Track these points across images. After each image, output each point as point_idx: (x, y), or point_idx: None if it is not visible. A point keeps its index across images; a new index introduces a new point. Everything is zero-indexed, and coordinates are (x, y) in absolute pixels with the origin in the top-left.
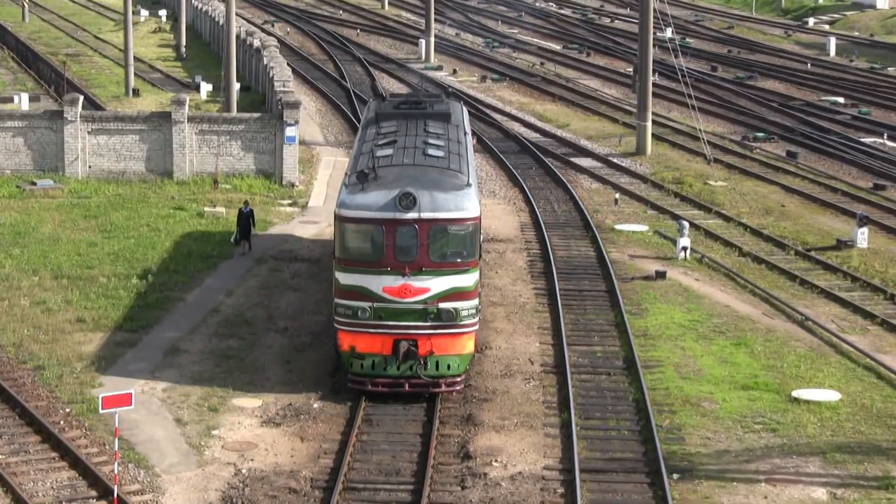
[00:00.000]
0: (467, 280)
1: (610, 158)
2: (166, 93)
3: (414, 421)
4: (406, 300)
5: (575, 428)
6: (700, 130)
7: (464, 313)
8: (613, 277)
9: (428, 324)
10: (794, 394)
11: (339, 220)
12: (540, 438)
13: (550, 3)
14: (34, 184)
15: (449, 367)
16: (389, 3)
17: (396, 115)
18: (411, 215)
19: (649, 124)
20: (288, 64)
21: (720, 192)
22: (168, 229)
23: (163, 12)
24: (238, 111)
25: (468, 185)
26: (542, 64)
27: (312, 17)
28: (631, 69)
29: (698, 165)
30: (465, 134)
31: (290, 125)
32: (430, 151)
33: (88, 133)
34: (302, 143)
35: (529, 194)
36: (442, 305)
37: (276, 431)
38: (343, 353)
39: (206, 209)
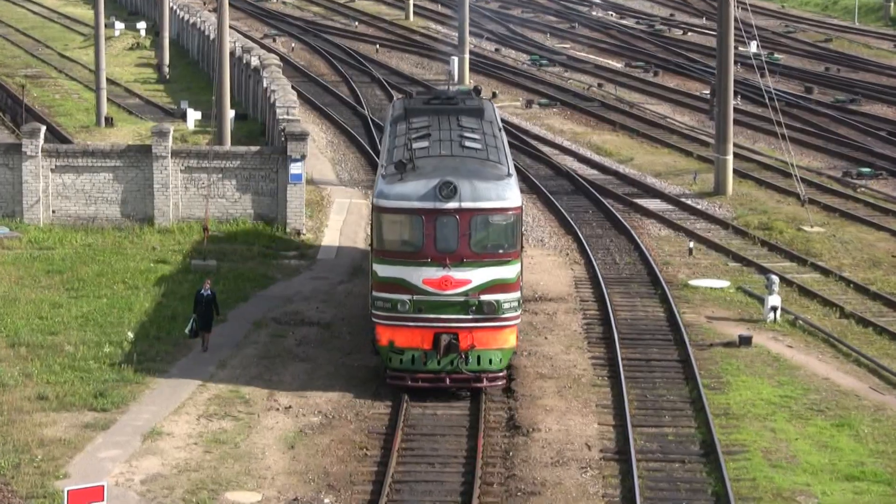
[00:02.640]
0: (509, 272)
1: (683, 200)
2: (146, 122)
3: None
4: (447, 292)
5: None
6: (792, 165)
7: (506, 306)
8: (688, 344)
9: (469, 317)
10: None
11: (378, 210)
12: None
13: (610, 13)
14: None
15: (491, 361)
16: (415, 13)
17: (427, 110)
18: (452, 205)
19: (730, 158)
20: (293, 87)
21: (817, 239)
22: (148, 287)
23: (142, 25)
24: (232, 144)
25: (509, 174)
26: (599, 85)
27: (322, 30)
28: (708, 92)
29: (790, 208)
30: (500, 130)
31: (296, 161)
32: (468, 144)
33: (52, 171)
34: (309, 182)
35: (585, 243)
36: (483, 297)
37: None
38: (381, 348)
39: (195, 262)
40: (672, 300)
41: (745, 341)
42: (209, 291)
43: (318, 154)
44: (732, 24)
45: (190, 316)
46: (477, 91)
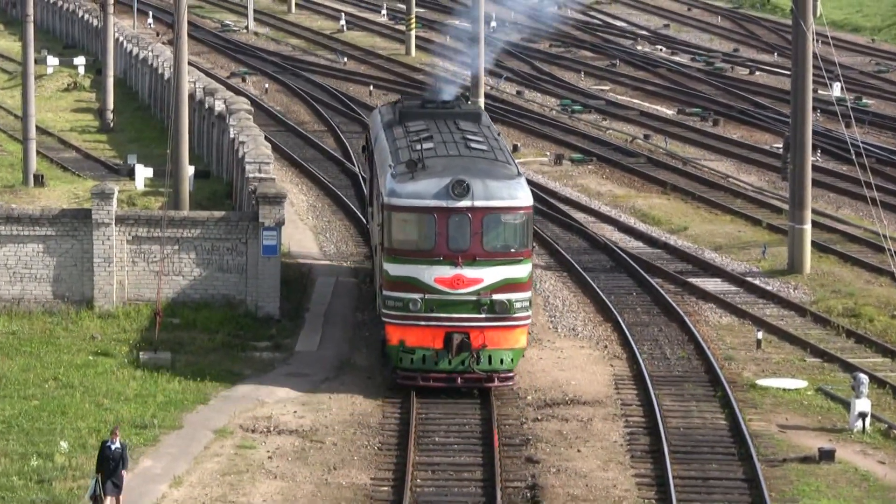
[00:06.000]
0: (521, 271)
1: (749, 279)
2: (84, 181)
3: None
4: (458, 291)
5: None
6: (885, 237)
7: (517, 305)
8: (755, 459)
9: (481, 316)
10: None
11: (389, 209)
12: None
13: (659, 47)
14: None
15: (502, 361)
16: (417, 47)
17: (423, 114)
18: (464, 203)
19: (808, 228)
20: (266, 137)
21: None
22: (86, 385)
23: (80, 60)
24: (191, 208)
25: (519, 174)
26: (646, 137)
27: (303, 68)
28: (780, 145)
29: (882, 289)
30: (499, 134)
31: (270, 229)
32: (473, 145)
33: None
34: (286, 255)
35: (628, 333)
36: (495, 297)
37: None
38: (391, 347)
39: (145, 355)
40: (736, 404)
41: (827, 456)
42: (117, 444)
43: (298, 221)
44: (811, 61)
45: (93, 477)
46: (465, 98)
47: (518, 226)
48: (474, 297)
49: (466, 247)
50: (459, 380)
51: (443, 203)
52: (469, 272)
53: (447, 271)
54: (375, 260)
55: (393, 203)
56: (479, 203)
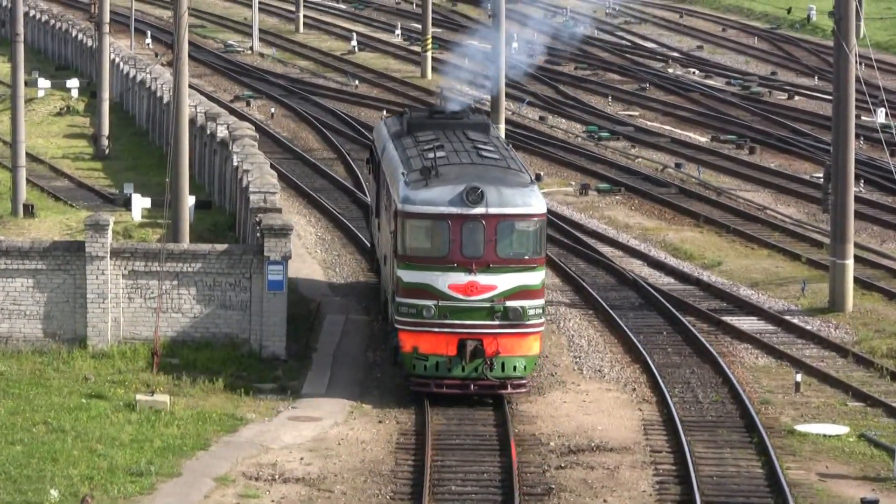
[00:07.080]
0: (534, 278)
1: (787, 318)
2: (77, 211)
3: None
4: (472, 298)
5: None
6: None
7: (531, 312)
8: None
9: (495, 323)
10: None
11: (403, 215)
12: None
13: (692, 70)
14: None
15: (515, 368)
16: (434, 70)
17: (432, 125)
18: (478, 210)
19: (850, 263)
20: (272, 165)
21: None
22: (78, 430)
23: (73, 83)
24: (191, 240)
25: (532, 182)
26: (677, 166)
27: (311, 91)
28: (820, 175)
29: None
30: (509, 145)
31: (276, 263)
32: (485, 153)
33: None
34: (293, 291)
35: (658, 375)
36: (509, 304)
37: None
38: (404, 354)
39: (140, 398)
40: (773, 452)
41: None
42: None
43: (305, 255)
44: (854, 85)
45: None
46: (473, 110)
47: (532, 233)
48: (488, 304)
49: (480, 254)
50: (473, 386)
51: (457, 210)
52: (483, 279)
53: (461, 278)
54: (384, 270)
55: (407, 210)
56: (493, 210)
